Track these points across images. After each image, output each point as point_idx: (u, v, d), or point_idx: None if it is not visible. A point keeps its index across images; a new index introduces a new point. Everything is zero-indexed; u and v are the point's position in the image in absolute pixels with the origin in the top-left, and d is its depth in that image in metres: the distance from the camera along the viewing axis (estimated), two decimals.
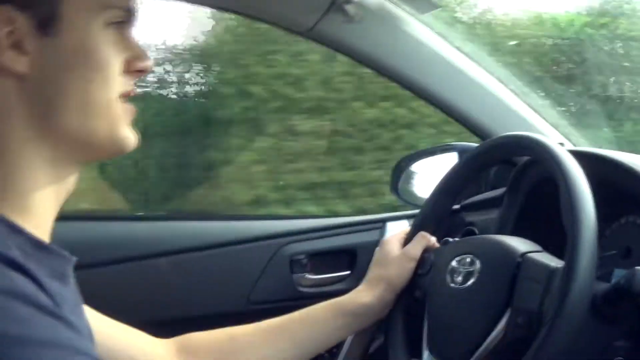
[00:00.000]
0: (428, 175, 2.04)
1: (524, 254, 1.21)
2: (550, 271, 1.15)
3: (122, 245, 1.86)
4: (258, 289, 1.88)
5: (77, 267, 0.93)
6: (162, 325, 1.31)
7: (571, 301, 1.05)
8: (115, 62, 0.92)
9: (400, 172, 2.02)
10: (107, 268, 1.75)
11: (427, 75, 1.77)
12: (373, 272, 1.48)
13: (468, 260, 1.30)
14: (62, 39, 0.87)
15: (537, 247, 1.25)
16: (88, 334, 0.91)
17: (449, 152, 1.92)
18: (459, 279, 1.29)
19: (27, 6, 0.85)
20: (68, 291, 0.89)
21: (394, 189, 2.02)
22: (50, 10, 0.86)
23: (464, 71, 1.79)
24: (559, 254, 1.22)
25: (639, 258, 1.32)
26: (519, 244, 1.26)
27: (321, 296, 1.54)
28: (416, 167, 2.03)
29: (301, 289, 1.89)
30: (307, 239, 1.94)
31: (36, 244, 0.86)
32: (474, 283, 1.26)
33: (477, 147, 1.50)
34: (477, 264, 1.27)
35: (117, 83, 0.92)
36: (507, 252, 1.24)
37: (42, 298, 0.78)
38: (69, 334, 0.78)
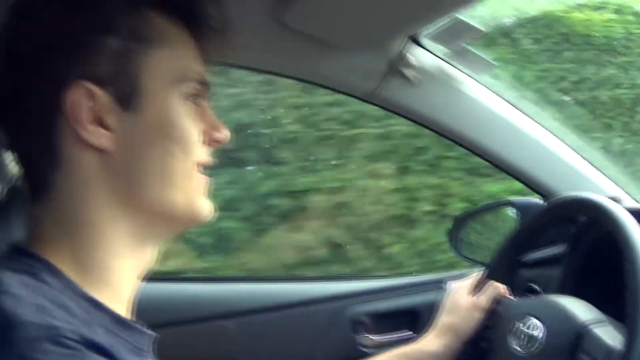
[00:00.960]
0: (488, 231, 2.05)
1: (586, 326, 1.22)
2: (609, 352, 1.15)
3: (187, 306, 1.90)
4: (321, 350, 1.89)
5: None
6: None
7: None
8: (194, 133, 0.93)
9: (459, 228, 2.02)
10: (173, 329, 1.77)
11: (486, 134, 1.78)
12: (441, 320, 1.50)
13: (532, 323, 1.31)
14: (143, 113, 0.89)
15: (599, 317, 1.26)
16: None
17: (509, 207, 1.93)
18: (523, 342, 1.30)
19: (109, 82, 0.87)
20: None
21: (454, 245, 2.02)
22: (130, 86, 0.89)
23: (522, 129, 1.80)
24: (618, 314, 1.23)
25: None
26: (583, 312, 1.27)
27: None
28: (475, 222, 2.05)
29: (364, 349, 1.89)
30: (369, 300, 1.96)
31: (118, 320, 0.87)
32: (536, 349, 1.27)
33: (545, 204, 1.53)
34: (540, 329, 1.28)
35: (196, 154, 0.94)
36: (570, 321, 1.25)
37: None
38: None
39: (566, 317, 1.26)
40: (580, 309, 1.28)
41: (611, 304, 1.29)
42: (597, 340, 1.18)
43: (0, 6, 0.89)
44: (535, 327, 1.29)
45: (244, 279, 2.28)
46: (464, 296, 1.51)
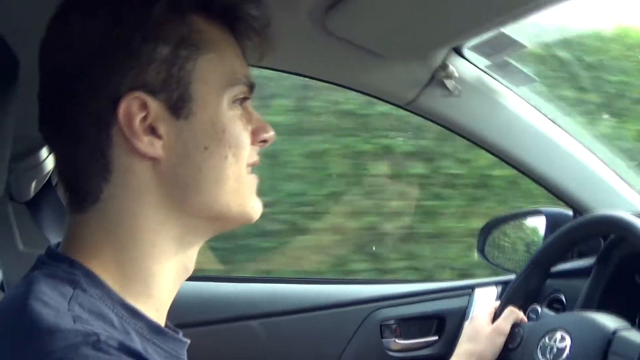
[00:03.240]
0: (516, 238, 2.10)
1: (615, 332, 1.27)
2: None
3: (214, 306, 1.95)
4: (348, 353, 1.94)
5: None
6: None
7: None
8: (245, 136, 0.94)
9: (487, 234, 2.06)
10: (199, 329, 1.83)
11: (521, 146, 1.82)
12: (463, 347, 1.53)
13: (559, 336, 1.36)
14: (195, 119, 0.90)
15: (627, 325, 1.31)
16: None
17: (537, 216, 1.97)
18: (551, 355, 1.35)
19: (159, 90, 0.88)
20: None
21: (481, 250, 2.06)
22: (181, 93, 0.89)
23: (555, 142, 1.84)
24: None
25: None
26: (610, 321, 1.32)
27: None
28: (503, 230, 2.09)
29: (391, 353, 1.94)
30: (397, 305, 2.00)
31: (155, 328, 0.89)
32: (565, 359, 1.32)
33: (573, 222, 1.57)
34: (568, 341, 1.34)
35: (247, 156, 0.95)
36: (599, 329, 1.31)
37: None
38: None
39: (594, 326, 1.32)
40: (607, 319, 1.33)
41: (636, 318, 1.35)
42: (628, 341, 1.24)
43: (42, 14, 0.90)
44: (562, 340, 1.35)
45: (271, 280, 2.30)
46: (484, 324, 1.55)
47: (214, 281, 2.13)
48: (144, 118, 0.88)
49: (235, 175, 0.93)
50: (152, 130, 0.88)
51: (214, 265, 3.17)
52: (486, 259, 2.06)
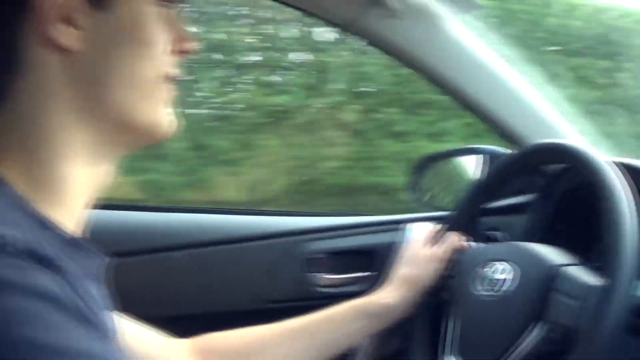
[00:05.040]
0: (449, 177, 2.07)
1: (560, 267, 1.24)
2: (588, 288, 1.17)
3: (137, 236, 1.89)
4: (273, 287, 1.90)
5: None
6: (174, 320, 1.33)
7: (612, 319, 1.08)
8: (163, 40, 0.92)
9: (419, 172, 2.04)
10: (121, 259, 1.75)
11: (462, 75, 1.79)
12: (399, 271, 1.51)
13: (501, 267, 1.33)
14: (113, 13, 0.87)
15: (573, 261, 1.28)
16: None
17: (473, 154, 1.95)
18: (490, 286, 1.32)
19: None
20: (99, 292, 0.87)
21: (412, 189, 2.04)
22: None
23: (499, 74, 1.81)
24: (587, 263, 1.26)
25: None
26: (554, 256, 1.29)
27: (337, 297, 1.56)
28: (437, 167, 2.06)
29: (317, 288, 1.90)
30: (325, 238, 1.96)
31: (70, 240, 0.85)
32: (505, 292, 1.29)
33: (519, 150, 1.54)
34: (511, 272, 1.31)
35: (164, 62, 0.93)
36: (542, 263, 1.27)
37: (78, 303, 0.74)
38: (103, 346, 0.75)
39: (537, 260, 1.29)
40: (551, 253, 1.30)
41: (579, 254, 1.32)
42: (574, 279, 1.21)
43: None
44: (503, 271, 1.32)
45: (195, 210, 2.24)
46: (422, 247, 1.53)
47: (136, 210, 2.07)
48: (62, 6, 0.83)
49: (151, 80, 0.91)
50: (69, 21, 0.84)
51: (137, 195, 3.10)
52: (417, 197, 2.03)
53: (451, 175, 2.05)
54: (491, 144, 1.92)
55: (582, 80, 3.29)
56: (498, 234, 1.74)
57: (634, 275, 1.11)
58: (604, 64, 3.44)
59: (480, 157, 1.90)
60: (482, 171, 1.84)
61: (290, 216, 2.14)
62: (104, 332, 0.77)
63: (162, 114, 0.94)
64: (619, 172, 1.22)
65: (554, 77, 2.24)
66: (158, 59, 0.91)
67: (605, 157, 1.27)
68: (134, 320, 1.24)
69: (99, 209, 0.95)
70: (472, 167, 1.91)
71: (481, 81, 1.80)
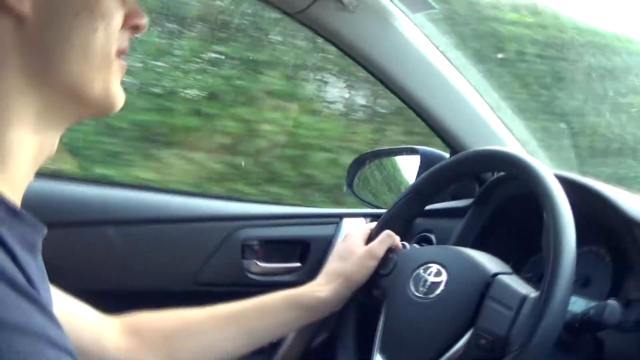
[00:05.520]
0: (388, 175, 2.08)
1: (495, 275, 1.26)
2: (522, 298, 1.19)
3: (68, 207, 1.85)
4: (207, 270, 1.88)
5: None
6: (103, 296, 1.30)
7: (545, 330, 1.09)
8: (117, 14, 0.91)
9: (358, 168, 2.05)
10: (53, 231, 1.72)
11: (408, 75, 1.79)
12: (332, 265, 1.51)
13: (435, 270, 1.34)
14: None
15: (507, 269, 1.31)
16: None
17: (412, 154, 1.96)
18: (424, 288, 1.34)
19: None
20: (37, 265, 0.85)
21: (350, 185, 2.05)
22: None
23: (444, 77, 1.83)
24: (519, 273, 1.28)
25: (597, 288, 1.38)
26: (490, 263, 1.31)
27: (269, 285, 1.58)
28: (375, 165, 2.07)
29: (250, 275, 1.90)
30: (262, 225, 1.96)
31: (10, 209, 0.82)
32: (438, 295, 1.31)
33: (459, 155, 1.55)
34: (444, 276, 1.32)
35: (117, 37, 0.92)
36: (478, 270, 1.29)
37: (17, 275, 0.73)
38: (43, 321, 0.73)
39: (473, 266, 1.31)
40: (487, 260, 1.32)
41: (511, 263, 1.34)
42: (508, 288, 1.22)
43: None
44: (438, 274, 1.33)
45: (130, 186, 2.20)
46: (357, 243, 1.53)
47: (71, 181, 2.01)
48: None
49: (104, 53, 0.90)
50: None
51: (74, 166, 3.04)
52: (354, 193, 2.04)
53: (390, 173, 2.07)
54: (431, 146, 1.95)
55: (525, 89, 3.32)
56: (432, 236, 1.76)
57: (570, 289, 1.12)
58: (549, 74, 3.47)
59: (418, 157, 1.91)
60: (419, 173, 1.85)
61: (227, 200, 2.12)
62: (43, 307, 0.75)
63: (113, 87, 0.93)
64: (559, 185, 1.24)
65: (499, 85, 2.26)
66: (111, 33, 0.91)
67: (546, 169, 1.29)
68: (66, 294, 1.23)
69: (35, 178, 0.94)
70: (410, 167, 1.93)
71: (426, 82, 1.82)
